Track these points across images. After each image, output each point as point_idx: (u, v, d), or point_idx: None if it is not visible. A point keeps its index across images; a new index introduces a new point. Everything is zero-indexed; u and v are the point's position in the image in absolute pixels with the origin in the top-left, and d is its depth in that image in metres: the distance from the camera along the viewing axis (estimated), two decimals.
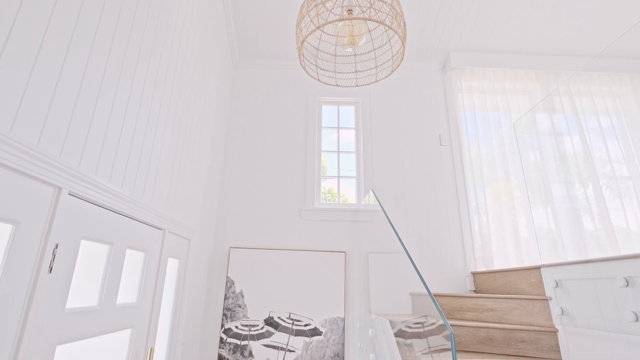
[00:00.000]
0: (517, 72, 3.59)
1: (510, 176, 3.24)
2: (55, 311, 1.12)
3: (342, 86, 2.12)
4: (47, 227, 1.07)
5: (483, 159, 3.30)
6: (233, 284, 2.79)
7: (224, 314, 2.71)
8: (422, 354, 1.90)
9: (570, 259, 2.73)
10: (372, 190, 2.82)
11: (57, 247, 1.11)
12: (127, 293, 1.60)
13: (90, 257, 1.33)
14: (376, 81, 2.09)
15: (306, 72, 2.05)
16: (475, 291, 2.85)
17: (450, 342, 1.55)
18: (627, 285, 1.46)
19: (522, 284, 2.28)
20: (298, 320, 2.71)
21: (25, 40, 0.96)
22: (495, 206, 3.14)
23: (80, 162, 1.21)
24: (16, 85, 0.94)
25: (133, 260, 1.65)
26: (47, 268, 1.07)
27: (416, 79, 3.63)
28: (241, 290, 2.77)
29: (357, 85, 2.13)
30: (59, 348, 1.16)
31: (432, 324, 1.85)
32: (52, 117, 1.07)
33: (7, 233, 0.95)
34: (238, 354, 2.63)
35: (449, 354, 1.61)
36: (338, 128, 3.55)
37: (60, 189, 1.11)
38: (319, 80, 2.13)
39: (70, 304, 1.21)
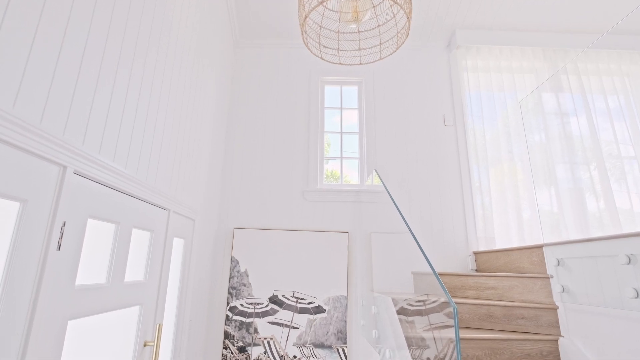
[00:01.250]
0: (524, 49, 3.51)
1: (514, 157, 3.21)
2: (65, 287, 1.14)
3: (346, 64, 2.08)
4: (54, 205, 1.08)
5: (487, 139, 3.27)
6: (238, 263, 2.83)
7: (230, 293, 2.77)
8: (424, 330, 1.94)
9: (572, 238, 2.74)
10: (376, 170, 2.82)
11: (64, 225, 1.12)
12: (135, 271, 1.63)
13: (97, 236, 1.35)
14: (380, 59, 2.05)
15: (309, 49, 2.01)
16: (476, 270, 2.89)
17: (452, 319, 1.58)
18: (629, 262, 1.47)
19: (524, 262, 2.30)
20: (302, 299, 2.76)
21: (23, 14, 0.94)
22: (499, 187, 3.13)
23: (84, 141, 1.21)
24: (16, 61, 0.93)
25: (139, 240, 1.67)
26: (56, 245, 1.08)
27: (420, 58, 3.56)
28: (246, 269, 2.82)
29: (360, 64, 2.09)
30: (70, 323, 1.19)
31: (433, 302, 1.88)
32: (53, 96, 1.06)
33: (15, 211, 0.96)
34: (244, 330, 2.69)
35: (450, 330, 1.64)
36: (341, 108, 3.51)
37: (65, 167, 1.11)
38: (322, 58, 2.09)
39: (80, 281, 1.23)
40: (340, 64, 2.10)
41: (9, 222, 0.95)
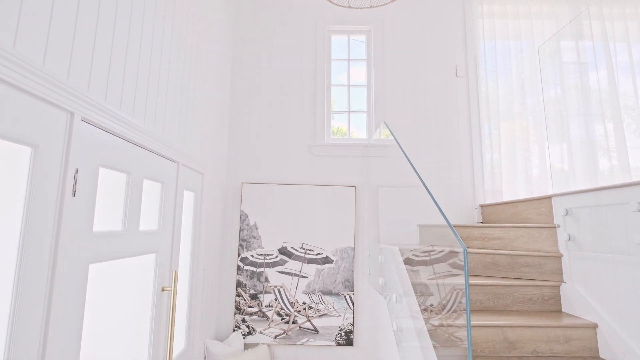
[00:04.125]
0: None
1: (527, 109, 3.12)
2: (84, 232, 1.17)
3: (355, 7, 1.96)
4: (65, 151, 1.08)
5: (500, 91, 3.16)
6: (247, 217, 2.89)
7: (240, 244, 2.86)
8: (429, 279, 2.01)
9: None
10: (385, 122, 2.76)
11: (77, 172, 1.13)
12: (149, 221, 1.67)
13: (110, 185, 1.36)
14: (392, 1, 1.92)
15: None
16: (482, 223, 2.92)
17: (456, 268, 1.62)
18: None
19: (531, 213, 2.31)
20: (310, 250, 2.85)
21: None
22: (509, 142, 3.08)
23: (88, 87, 1.18)
24: None
25: (151, 190, 1.69)
26: (71, 191, 1.10)
27: (433, 3, 3.34)
28: (255, 222, 2.88)
29: (371, 7, 1.97)
30: (91, 267, 1.24)
31: (440, 252, 1.93)
32: (54, 36, 1.01)
33: (28, 156, 0.96)
34: (255, 279, 2.82)
35: (454, 278, 1.69)
36: (348, 60, 3.37)
37: (72, 113, 1.10)
38: (330, 1, 1.96)
39: (97, 227, 1.26)
40: (350, 7, 1.98)
41: (23, 167, 0.95)
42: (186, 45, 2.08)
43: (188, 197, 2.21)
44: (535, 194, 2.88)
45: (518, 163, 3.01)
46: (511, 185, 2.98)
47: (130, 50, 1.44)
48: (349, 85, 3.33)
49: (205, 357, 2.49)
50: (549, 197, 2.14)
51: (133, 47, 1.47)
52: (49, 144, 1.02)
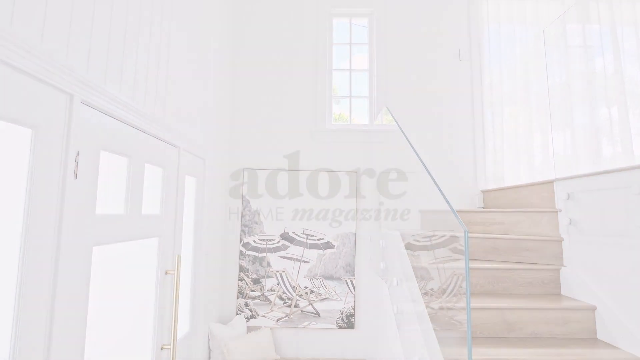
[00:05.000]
0: None
1: (530, 96, 3.07)
2: (87, 214, 1.18)
3: None
4: (65, 134, 1.07)
5: (504, 76, 3.11)
6: (249, 202, 2.90)
7: (242, 230, 2.88)
8: (429, 263, 2.02)
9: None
10: (387, 107, 2.74)
11: (78, 154, 1.13)
12: (151, 205, 1.67)
13: (112, 169, 1.36)
14: None
15: None
16: (484, 208, 2.92)
17: (457, 253, 1.62)
18: None
19: (533, 198, 2.31)
20: (312, 235, 2.86)
21: None
22: (512, 127, 3.04)
23: (87, 69, 1.17)
24: None
25: (152, 175, 1.69)
26: (73, 174, 1.10)
27: None
28: (257, 208, 2.90)
29: None
30: (95, 249, 1.25)
31: (441, 237, 1.93)
32: (50, 13, 1.00)
33: (28, 137, 0.96)
34: (257, 264, 2.85)
35: (454, 262, 1.70)
36: (350, 43, 3.32)
37: (72, 95, 1.09)
38: None
39: (99, 210, 1.27)
40: None
41: (24, 149, 0.95)
42: (186, 29, 2.04)
43: (190, 182, 2.21)
44: (538, 178, 2.87)
45: (520, 149, 2.99)
46: (513, 172, 2.96)
47: (128, 33, 1.42)
48: (350, 70, 3.29)
49: (209, 340, 2.54)
50: (551, 182, 2.14)
51: (132, 29, 1.44)
52: (50, 126, 1.01)
